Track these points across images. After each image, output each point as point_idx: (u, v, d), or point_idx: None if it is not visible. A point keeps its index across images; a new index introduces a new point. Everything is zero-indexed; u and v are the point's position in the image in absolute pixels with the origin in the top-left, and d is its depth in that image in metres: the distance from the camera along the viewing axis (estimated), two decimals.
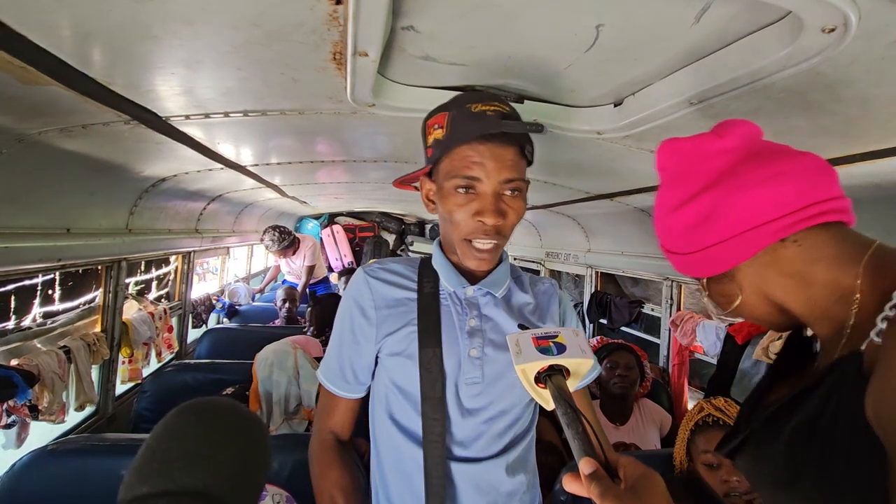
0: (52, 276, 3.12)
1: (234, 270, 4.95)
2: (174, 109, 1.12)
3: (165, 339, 2.65)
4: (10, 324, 2.76)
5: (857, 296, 0.49)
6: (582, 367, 0.62)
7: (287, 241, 3.82)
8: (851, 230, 0.55)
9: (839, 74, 0.71)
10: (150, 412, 1.97)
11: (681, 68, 0.85)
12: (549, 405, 0.61)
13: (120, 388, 2.28)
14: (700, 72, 0.81)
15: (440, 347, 0.83)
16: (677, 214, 0.61)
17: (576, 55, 0.84)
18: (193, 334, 3.29)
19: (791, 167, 0.55)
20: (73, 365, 1.79)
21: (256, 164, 2.03)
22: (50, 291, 3.22)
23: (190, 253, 3.00)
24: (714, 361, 2.33)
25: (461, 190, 0.77)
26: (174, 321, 2.87)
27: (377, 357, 0.90)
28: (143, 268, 4.16)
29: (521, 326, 0.70)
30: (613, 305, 3.26)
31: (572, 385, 0.62)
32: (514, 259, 4.19)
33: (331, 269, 5.90)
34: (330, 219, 6.35)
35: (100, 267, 2.07)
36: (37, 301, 3.13)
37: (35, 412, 1.56)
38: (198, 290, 3.59)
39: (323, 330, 2.56)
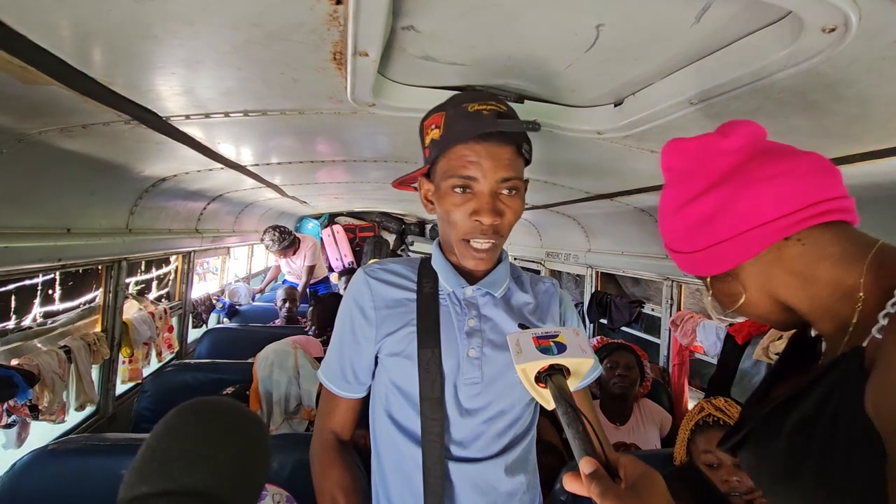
0: (52, 275, 3.12)
1: (235, 270, 4.95)
2: (174, 109, 1.12)
3: (166, 339, 2.65)
4: (11, 323, 2.77)
5: (861, 294, 0.49)
6: (582, 367, 0.62)
7: (287, 241, 3.83)
8: (855, 229, 0.55)
9: (839, 74, 0.71)
10: (150, 412, 1.97)
11: (681, 68, 0.85)
12: (550, 405, 0.61)
13: (120, 388, 2.28)
14: (700, 72, 0.81)
15: (439, 348, 0.83)
16: (682, 213, 0.61)
17: (576, 55, 0.84)
18: (194, 334, 3.29)
19: (795, 166, 0.55)
20: (73, 365, 1.80)
21: (257, 164, 2.03)
22: (50, 291, 3.23)
23: (190, 253, 3.00)
24: (714, 361, 2.34)
25: (458, 190, 0.77)
26: (174, 321, 2.88)
27: (377, 357, 0.90)
28: (143, 268, 4.16)
29: (522, 326, 0.70)
30: (613, 305, 3.26)
31: (573, 385, 0.62)
32: (515, 259, 4.19)
33: (331, 269, 5.90)
34: (330, 219, 6.35)
35: (100, 267, 2.07)
36: (37, 301, 3.14)
37: (35, 412, 1.56)
38: (198, 290, 3.59)
39: (324, 329, 2.56)
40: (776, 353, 1.91)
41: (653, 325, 3.15)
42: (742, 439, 0.60)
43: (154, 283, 4.43)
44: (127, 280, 2.19)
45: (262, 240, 3.85)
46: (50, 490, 1.24)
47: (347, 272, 4.53)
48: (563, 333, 0.64)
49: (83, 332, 1.97)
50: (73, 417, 1.88)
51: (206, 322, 3.45)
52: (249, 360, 2.07)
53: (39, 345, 1.85)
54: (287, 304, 3.46)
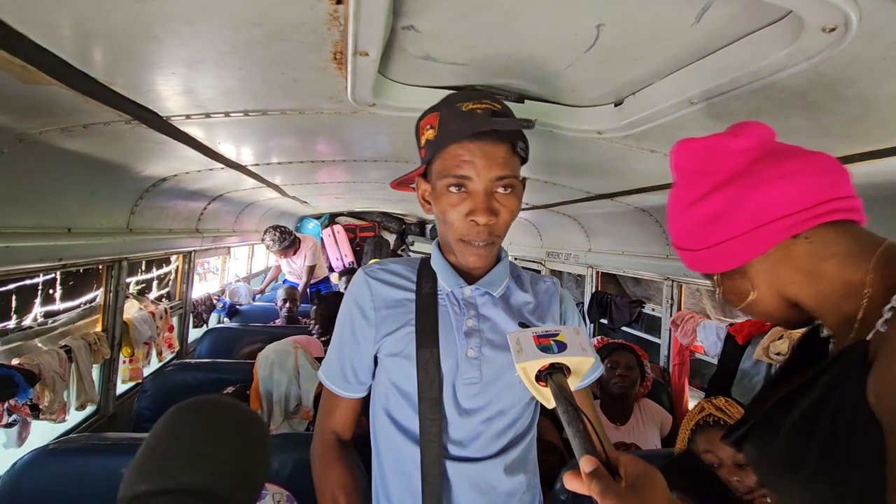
0: (52, 275, 3.12)
1: (235, 270, 4.95)
2: (175, 109, 1.13)
3: (166, 339, 2.65)
4: (12, 323, 2.77)
5: (867, 290, 0.50)
6: (583, 366, 0.62)
7: (288, 241, 3.83)
8: (862, 228, 0.56)
9: (840, 74, 0.71)
10: (150, 411, 1.97)
11: (681, 68, 0.85)
12: (550, 403, 0.61)
13: (121, 388, 2.29)
14: (700, 72, 0.81)
15: (437, 348, 0.83)
16: (692, 211, 0.62)
17: (576, 55, 0.84)
18: (194, 334, 3.29)
19: (804, 166, 0.56)
20: (73, 364, 1.80)
21: (257, 164, 2.03)
22: (51, 291, 3.23)
23: (191, 253, 3.00)
24: (714, 361, 2.34)
25: (453, 189, 0.77)
26: (175, 321, 2.88)
27: (376, 357, 0.90)
28: (143, 267, 4.16)
29: (522, 325, 0.70)
30: (614, 305, 3.26)
31: (573, 383, 0.62)
32: (515, 259, 4.19)
33: (331, 269, 5.90)
34: (330, 219, 6.35)
35: (101, 266, 2.07)
36: (38, 300, 3.14)
37: (36, 411, 1.56)
38: (198, 290, 3.59)
39: (328, 329, 2.56)
40: (776, 353, 1.91)
41: (653, 324, 3.15)
42: (745, 434, 0.61)
43: (154, 283, 4.43)
44: (127, 280, 2.20)
45: (262, 240, 3.85)
46: (50, 489, 1.24)
47: (348, 272, 4.53)
48: (564, 332, 0.64)
49: (84, 332, 1.98)
50: (74, 417, 1.88)
51: (206, 322, 3.45)
52: (250, 361, 2.07)
53: (40, 344, 1.85)
54: (287, 304, 3.46)
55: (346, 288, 0.98)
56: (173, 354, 2.82)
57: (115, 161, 1.54)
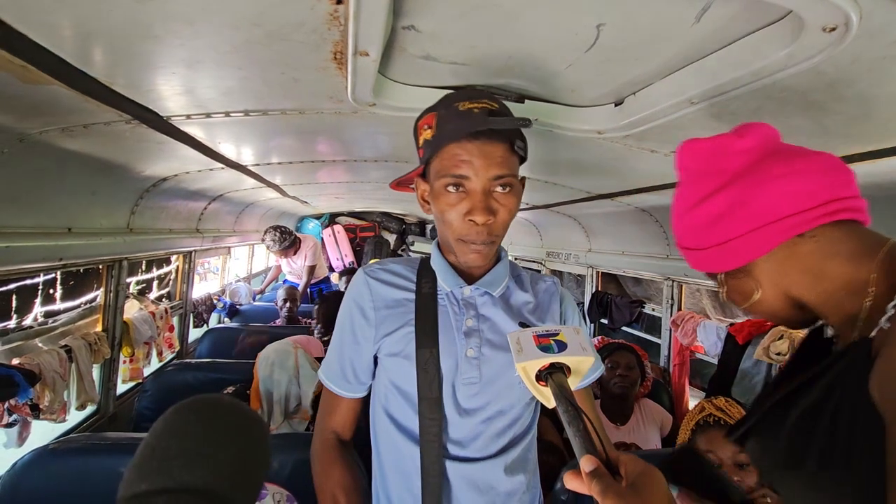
0: (53, 275, 3.12)
1: (235, 270, 4.95)
2: (175, 109, 1.13)
3: (166, 339, 2.65)
4: (12, 323, 2.77)
5: (872, 289, 0.50)
6: (583, 365, 0.62)
7: (288, 242, 3.83)
8: (867, 228, 0.57)
9: (840, 74, 0.71)
10: (151, 411, 1.97)
11: (681, 68, 0.85)
12: (551, 403, 0.61)
13: (121, 388, 2.29)
14: (701, 71, 0.81)
15: (437, 348, 0.83)
16: (698, 210, 0.62)
17: (576, 55, 0.84)
18: (194, 334, 3.29)
19: (811, 165, 0.56)
20: (74, 364, 1.80)
21: (257, 164, 2.03)
22: (51, 291, 3.23)
23: (191, 252, 3.00)
24: (715, 361, 2.34)
25: (451, 189, 0.77)
26: (175, 321, 2.88)
27: (376, 357, 0.90)
28: (144, 267, 4.16)
29: (522, 325, 0.70)
30: (614, 305, 3.26)
31: (574, 383, 0.62)
32: (515, 259, 4.19)
33: (332, 269, 5.90)
34: (331, 219, 6.35)
35: (101, 266, 2.07)
36: (38, 300, 3.14)
37: (36, 411, 1.56)
38: (199, 290, 3.59)
39: (330, 328, 2.55)
40: (777, 353, 1.91)
41: (653, 324, 3.15)
42: (748, 431, 0.61)
43: (155, 283, 4.43)
44: (128, 280, 2.20)
45: (262, 240, 3.85)
46: (51, 489, 1.24)
47: (348, 272, 4.53)
48: (564, 332, 0.64)
49: (84, 332, 1.98)
50: (74, 417, 1.88)
51: (206, 322, 3.45)
52: (250, 360, 2.07)
53: (40, 344, 1.85)
54: (288, 304, 3.46)
55: (346, 288, 0.98)
56: (173, 354, 2.82)
57: (115, 161, 1.54)
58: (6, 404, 1.45)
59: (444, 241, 0.87)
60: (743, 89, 0.79)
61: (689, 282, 2.55)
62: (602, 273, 3.47)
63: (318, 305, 2.74)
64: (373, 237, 6.30)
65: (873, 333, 0.47)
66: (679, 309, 2.64)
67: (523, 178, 0.83)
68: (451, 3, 0.69)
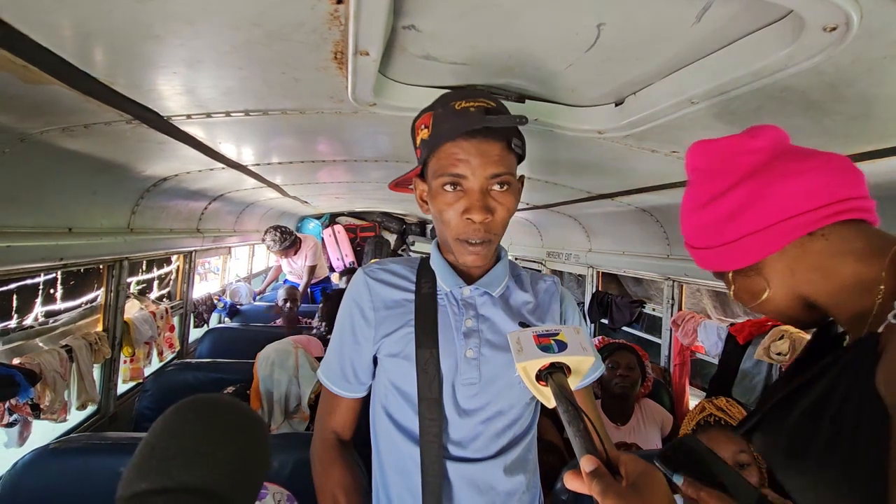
0: (53, 275, 3.12)
1: (236, 270, 4.96)
2: (176, 109, 1.13)
3: (167, 339, 2.66)
4: (13, 323, 2.77)
5: (882, 287, 0.51)
6: (583, 365, 0.62)
7: (288, 242, 3.83)
8: (876, 228, 0.57)
9: (840, 74, 0.71)
10: (151, 411, 1.98)
11: (682, 68, 0.84)
12: (551, 403, 0.61)
13: (121, 388, 2.29)
14: (701, 71, 0.81)
15: (436, 348, 0.83)
16: (709, 209, 0.63)
17: (577, 54, 0.84)
18: (195, 334, 3.30)
19: (821, 164, 0.57)
20: (74, 364, 1.80)
21: (258, 164, 2.03)
22: (52, 290, 3.23)
23: (191, 252, 3.00)
24: (715, 361, 2.34)
25: (448, 188, 0.77)
26: (175, 320, 2.88)
27: (376, 357, 0.90)
28: (144, 267, 4.16)
29: (522, 324, 0.70)
30: (615, 305, 3.26)
31: (574, 383, 0.62)
32: (516, 259, 4.19)
33: (332, 269, 5.90)
34: (331, 219, 6.35)
35: (101, 266, 2.07)
36: (39, 300, 3.14)
37: (37, 411, 1.56)
38: (199, 290, 3.59)
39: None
40: (777, 353, 1.91)
41: (654, 324, 3.15)
42: (755, 425, 0.61)
43: (155, 283, 4.43)
44: (128, 279, 2.20)
45: (263, 240, 3.85)
46: (51, 489, 1.24)
47: (348, 272, 4.53)
48: (564, 331, 0.64)
49: (84, 332, 1.98)
50: (75, 416, 1.88)
51: (207, 322, 3.46)
52: (250, 360, 2.07)
53: (41, 344, 1.85)
54: (288, 304, 3.46)
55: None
56: (174, 354, 2.82)
57: (116, 161, 1.54)
58: (7, 404, 1.45)
59: (444, 241, 0.87)
60: (743, 89, 0.79)
61: (689, 282, 2.55)
62: (602, 273, 3.47)
63: (322, 304, 2.74)
64: (373, 237, 6.30)
65: (881, 328, 0.48)
66: (679, 309, 2.64)
67: (522, 177, 0.83)
68: (451, 2, 0.69)
